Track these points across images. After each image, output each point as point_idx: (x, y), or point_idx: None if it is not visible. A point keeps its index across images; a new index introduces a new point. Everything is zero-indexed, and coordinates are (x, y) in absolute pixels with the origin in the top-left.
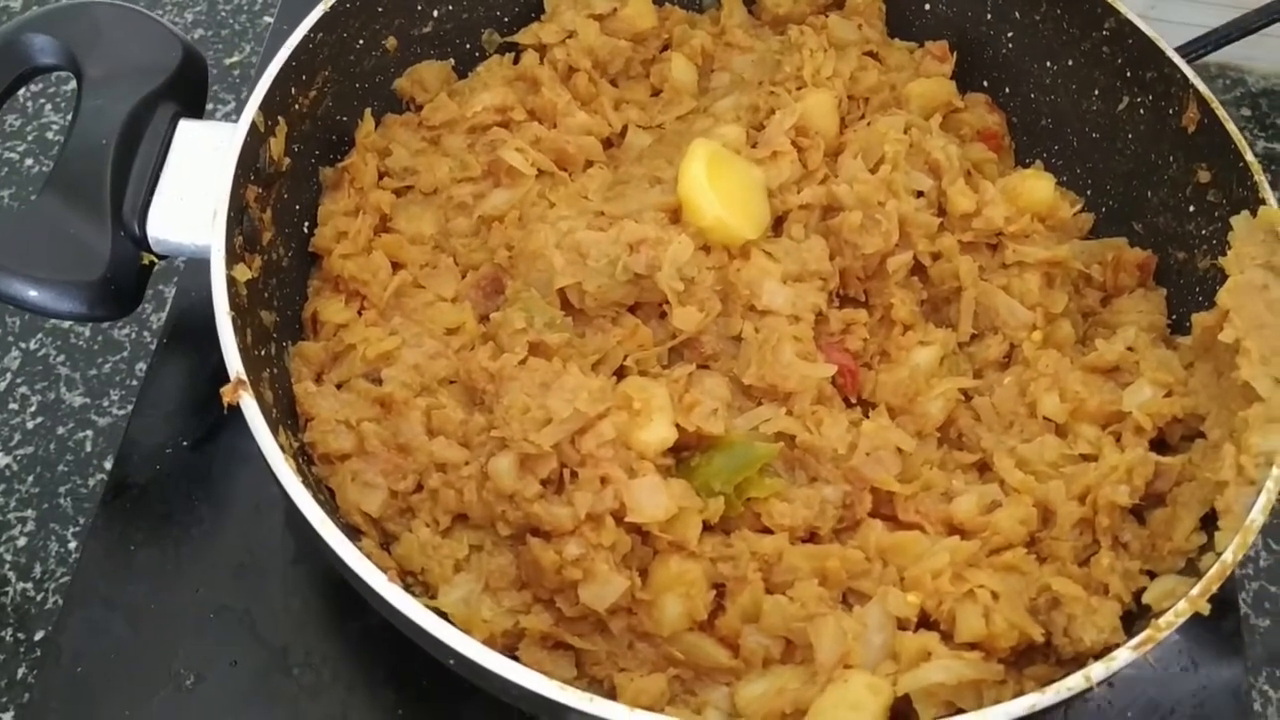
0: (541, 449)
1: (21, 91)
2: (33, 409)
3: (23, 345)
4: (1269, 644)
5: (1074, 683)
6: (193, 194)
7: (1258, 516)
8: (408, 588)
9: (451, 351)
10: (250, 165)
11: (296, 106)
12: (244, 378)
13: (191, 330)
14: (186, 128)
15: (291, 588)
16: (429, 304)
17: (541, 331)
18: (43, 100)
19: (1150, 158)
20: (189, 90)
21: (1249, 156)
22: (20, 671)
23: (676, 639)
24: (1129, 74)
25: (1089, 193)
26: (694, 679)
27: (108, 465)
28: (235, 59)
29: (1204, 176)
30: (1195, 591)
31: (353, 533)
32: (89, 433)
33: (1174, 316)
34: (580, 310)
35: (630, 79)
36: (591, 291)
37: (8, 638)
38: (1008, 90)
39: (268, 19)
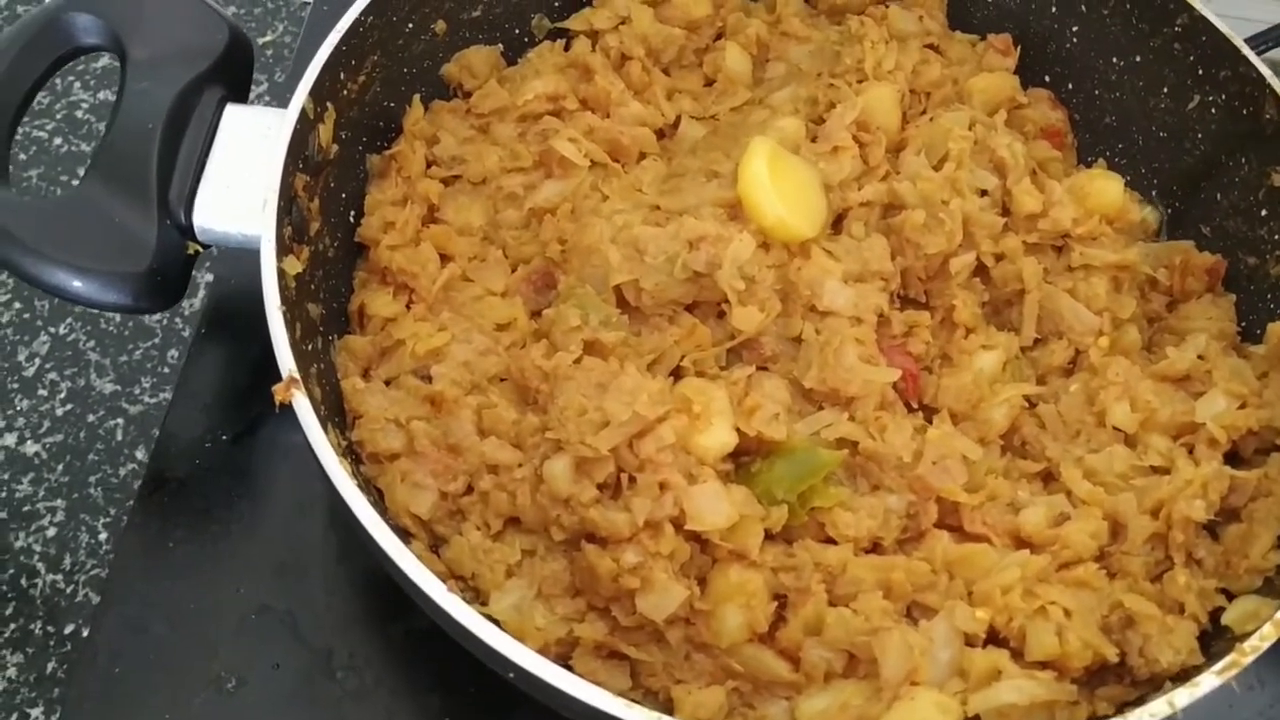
0: (599, 452)
1: None
2: (62, 395)
3: (52, 330)
4: None
5: (1157, 708)
6: (240, 182)
7: None
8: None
9: (502, 348)
10: (299, 153)
11: (345, 92)
12: (296, 375)
13: (229, 319)
14: (233, 113)
15: (334, 588)
16: (478, 298)
17: (597, 330)
18: (71, 78)
19: (1221, 159)
20: (235, 74)
21: None
22: (50, 666)
23: (736, 650)
24: (1201, 72)
25: (1154, 194)
26: (753, 692)
27: (139, 455)
28: (268, 38)
29: (1279, 180)
30: None
31: (402, 535)
32: (120, 421)
33: (1243, 324)
34: (636, 308)
35: (683, 68)
36: (649, 289)
37: (37, 630)
38: (1070, 86)
39: None
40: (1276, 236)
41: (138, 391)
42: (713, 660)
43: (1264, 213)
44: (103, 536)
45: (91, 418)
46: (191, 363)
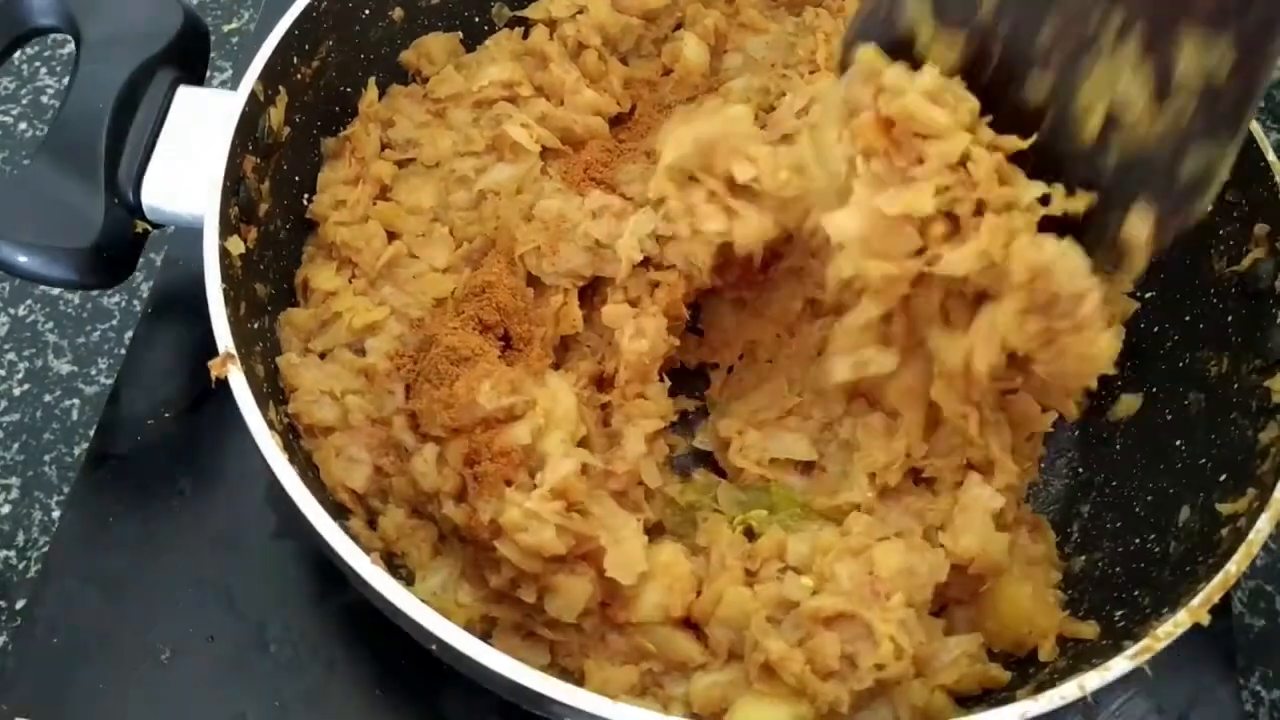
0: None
1: (16, 54)
2: (20, 376)
3: (11, 311)
4: (1263, 643)
5: (1067, 691)
6: (189, 162)
7: (1264, 527)
8: (394, 569)
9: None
10: (249, 135)
11: (298, 76)
12: (233, 351)
13: (179, 300)
14: (185, 94)
15: (271, 563)
16: (420, 274)
17: None
18: (38, 64)
19: None
20: (189, 56)
21: (1270, 156)
22: (1, 639)
23: (649, 630)
24: None
25: None
26: (663, 673)
27: (93, 434)
28: (234, 25)
29: None
30: (1196, 602)
31: (340, 510)
32: (75, 401)
33: None
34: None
35: (641, 57)
36: (547, 253)
37: None
38: None
39: None
40: (1220, 232)
41: (94, 372)
42: (627, 641)
43: None
44: (56, 514)
45: (48, 398)
46: (138, 342)
